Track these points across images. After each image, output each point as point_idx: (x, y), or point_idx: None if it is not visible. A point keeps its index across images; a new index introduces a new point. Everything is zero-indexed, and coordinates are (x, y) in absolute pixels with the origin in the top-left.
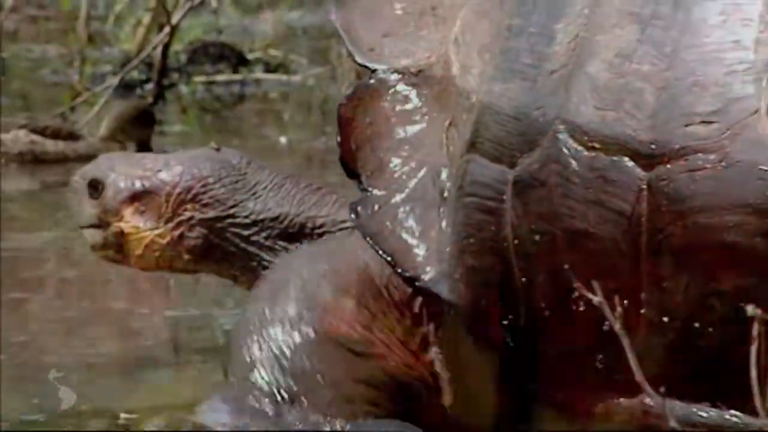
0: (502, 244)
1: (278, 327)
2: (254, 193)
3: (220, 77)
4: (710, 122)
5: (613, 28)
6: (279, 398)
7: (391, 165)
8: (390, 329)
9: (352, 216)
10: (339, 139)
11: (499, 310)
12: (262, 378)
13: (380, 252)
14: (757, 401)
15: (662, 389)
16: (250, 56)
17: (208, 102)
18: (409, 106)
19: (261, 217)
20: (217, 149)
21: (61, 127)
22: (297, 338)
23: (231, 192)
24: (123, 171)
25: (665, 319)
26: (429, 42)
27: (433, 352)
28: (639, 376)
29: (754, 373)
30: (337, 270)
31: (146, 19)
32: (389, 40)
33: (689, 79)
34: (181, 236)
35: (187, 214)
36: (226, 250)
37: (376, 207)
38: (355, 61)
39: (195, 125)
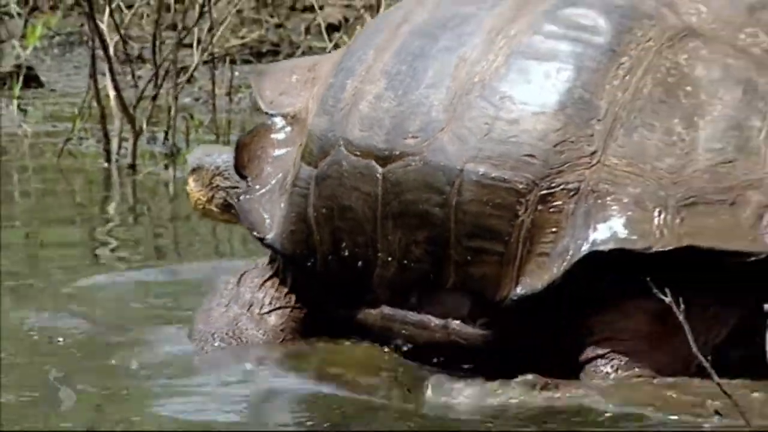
0: (307, 216)
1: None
2: None
3: None
4: (416, 137)
5: (375, 81)
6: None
7: (265, 172)
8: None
9: (235, 202)
10: (234, 155)
11: (306, 256)
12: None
13: (246, 224)
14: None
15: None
16: None
17: None
18: (284, 136)
19: None
20: None
21: None
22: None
23: None
24: (194, 155)
25: (389, 259)
26: (303, 97)
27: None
28: (691, 341)
29: None
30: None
31: None
32: (283, 96)
33: (409, 111)
34: (213, 197)
35: (216, 183)
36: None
37: (251, 196)
38: (260, 110)
39: None
